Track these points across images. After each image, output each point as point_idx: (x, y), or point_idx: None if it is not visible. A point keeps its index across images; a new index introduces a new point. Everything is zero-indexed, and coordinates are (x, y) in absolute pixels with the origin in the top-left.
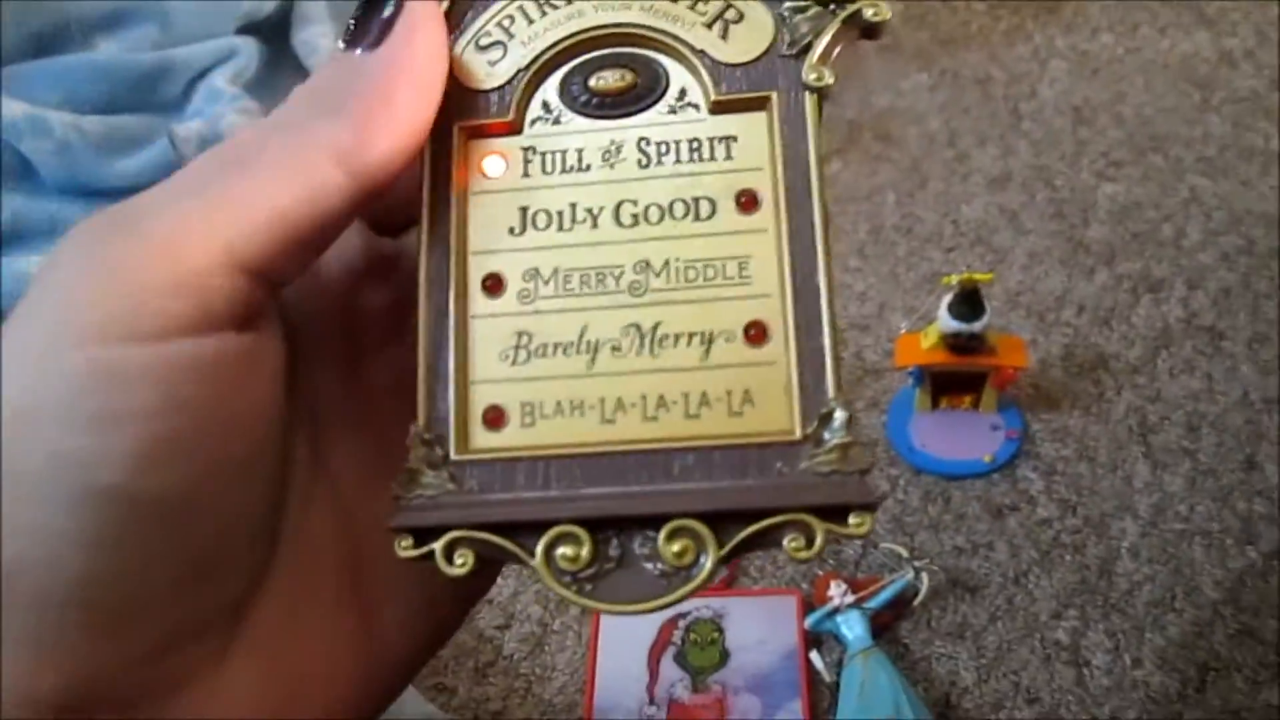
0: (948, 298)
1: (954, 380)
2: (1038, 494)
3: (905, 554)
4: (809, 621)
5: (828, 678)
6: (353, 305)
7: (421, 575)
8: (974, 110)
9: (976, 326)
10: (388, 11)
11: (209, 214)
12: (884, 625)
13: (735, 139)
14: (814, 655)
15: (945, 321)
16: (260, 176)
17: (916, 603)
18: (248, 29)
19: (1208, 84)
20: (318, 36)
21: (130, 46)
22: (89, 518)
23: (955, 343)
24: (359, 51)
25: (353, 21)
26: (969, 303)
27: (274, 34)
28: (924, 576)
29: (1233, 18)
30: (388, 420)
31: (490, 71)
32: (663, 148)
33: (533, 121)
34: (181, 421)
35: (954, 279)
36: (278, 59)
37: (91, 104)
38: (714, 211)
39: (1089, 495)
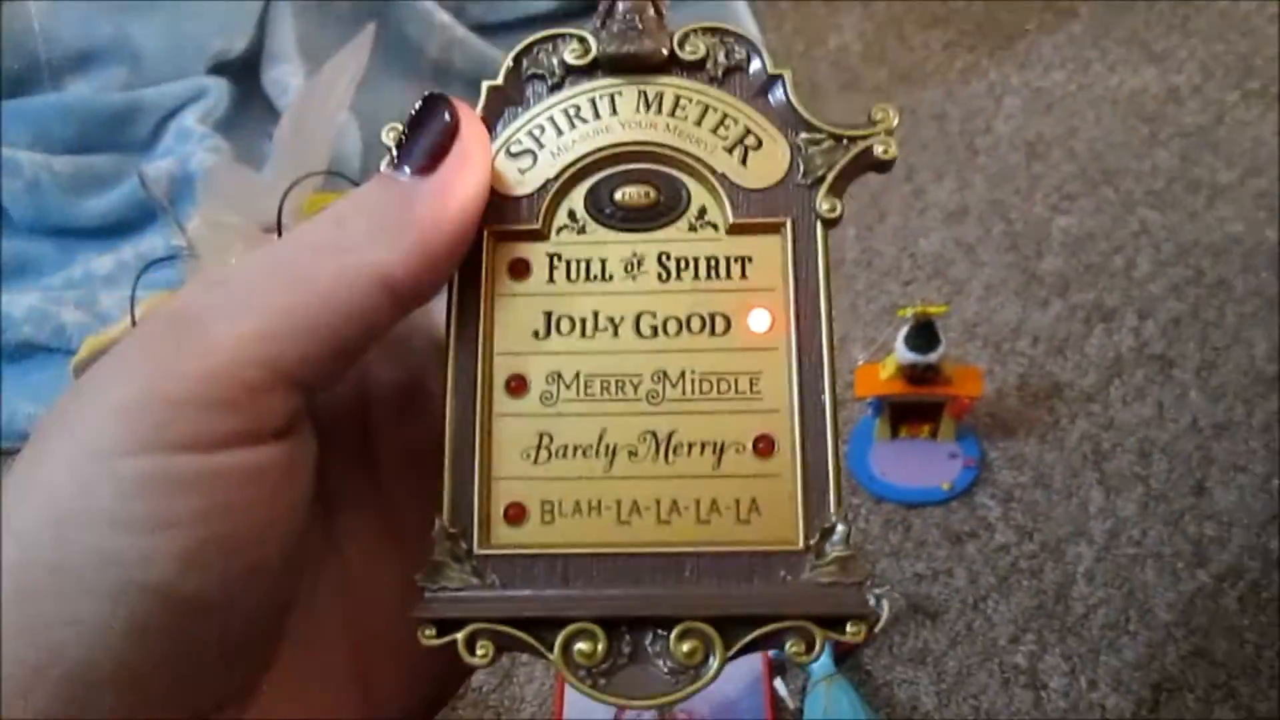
0: (904, 330)
1: (912, 410)
2: (995, 520)
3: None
4: (773, 650)
5: (791, 705)
6: (364, 384)
7: (423, 648)
8: (931, 146)
9: (932, 357)
10: (438, 133)
11: (267, 335)
12: (846, 651)
13: (750, 259)
14: (778, 683)
15: (902, 353)
16: (316, 300)
17: (878, 629)
18: (218, 69)
19: (1156, 119)
20: (288, 75)
21: (100, 87)
22: (128, 612)
23: (912, 373)
24: (409, 173)
25: (401, 136)
26: (924, 334)
27: (244, 73)
28: (885, 603)
29: (1179, 55)
30: (396, 497)
31: (520, 179)
32: (682, 263)
33: (559, 229)
34: (225, 527)
35: (909, 311)
36: (247, 98)
37: (62, 144)
38: (728, 327)
39: (1045, 521)
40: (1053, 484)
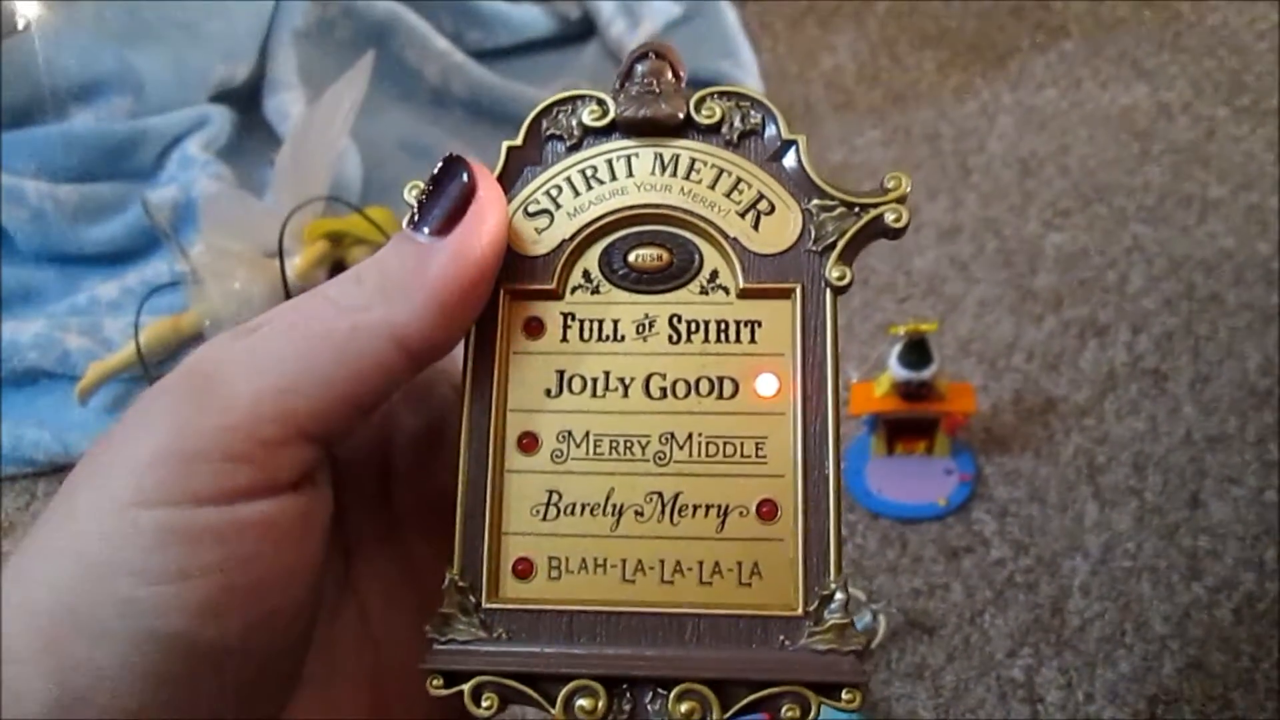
0: (897, 347)
1: (907, 426)
2: (991, 535)
3: (864, 597)
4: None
5: None
6: (386, 430)
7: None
8: (925, 164)
9: (925, 374)
10: (455, 195)
11: (284, 391)
12: None
13: (760, 324)
14: None
15: (896, 370)
16: (331, 356)
17: (875, 644)
18: (220, 97)
19: (1147, 135)
20: (289, 103)
21: (104, 116)
22: (149, 659)
23: (906, 390)
24: (426, 233)
25: (422, 197)
26: (917, 351)
27: (246, 101)
28: (882, 618)
29: (1170, 71)
30: (414, 542)
31: (537, 239)
32: (692, 326)
33: (573, 289)
34: (243, 577)
35: (901, 329)
36: (249, 125)
37: (66, 173)
38: (736, 392)
39: (1040, 535)
40: (1048, 498)
